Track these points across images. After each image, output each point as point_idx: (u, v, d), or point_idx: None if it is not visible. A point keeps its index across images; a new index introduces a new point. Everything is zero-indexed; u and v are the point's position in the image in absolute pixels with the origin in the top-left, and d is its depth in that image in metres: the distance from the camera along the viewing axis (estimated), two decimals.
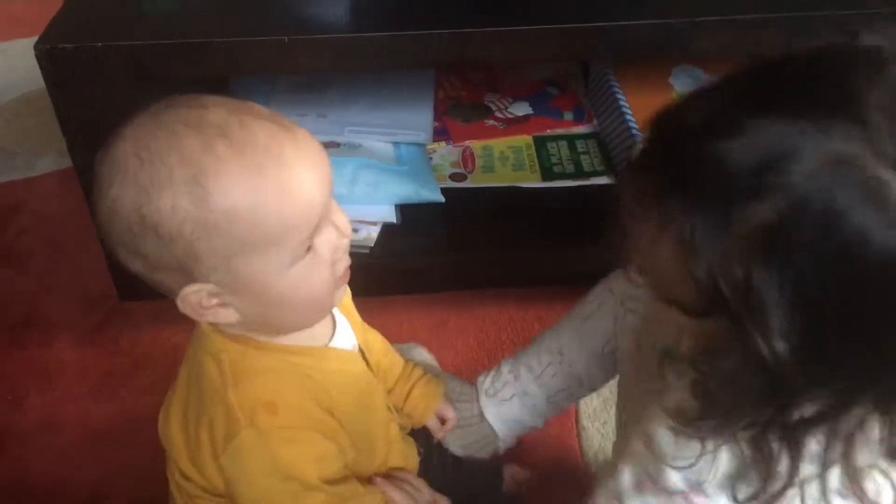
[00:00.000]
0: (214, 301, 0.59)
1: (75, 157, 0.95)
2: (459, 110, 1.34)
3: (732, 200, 0.44)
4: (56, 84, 0.90)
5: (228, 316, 0.60)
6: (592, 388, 0.86)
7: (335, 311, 0.71)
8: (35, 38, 0.88)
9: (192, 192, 0.54)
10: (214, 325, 0.63)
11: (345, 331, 0.72)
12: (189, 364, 0.67)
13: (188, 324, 0.74)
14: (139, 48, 0.88)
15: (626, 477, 0.58)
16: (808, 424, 0.48)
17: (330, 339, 0.69)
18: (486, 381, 0.87)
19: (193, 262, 0.56)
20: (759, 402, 0.48)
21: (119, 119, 0.90)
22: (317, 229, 0.59)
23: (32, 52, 0.88)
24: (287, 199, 0.56)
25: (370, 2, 0.95)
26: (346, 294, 0.69)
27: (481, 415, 0.85)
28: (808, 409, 0.47)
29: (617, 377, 0.82)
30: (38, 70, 0.91)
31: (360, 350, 0.73)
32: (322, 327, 0.69)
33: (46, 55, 0.87)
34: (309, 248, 0.59)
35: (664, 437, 0.54)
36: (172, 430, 0.68)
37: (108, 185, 0.55)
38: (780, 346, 0.44)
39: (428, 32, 0.90)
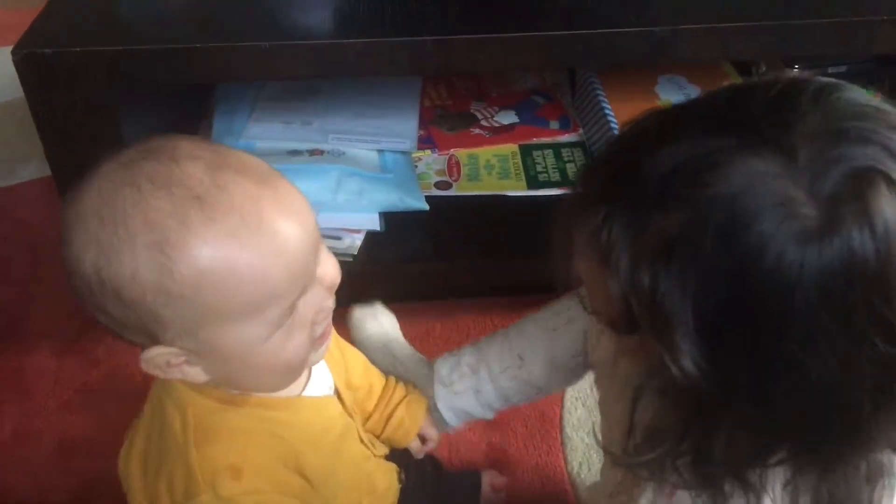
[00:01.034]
0: (182, 359, 0.55)
1: (53, 165, 0.94)
2: (445, 119, 1.34)
3: (643, 208, 0.43)
4: (34, 90, 0.89)
5: (196, 375, 0.56)
6: (549, 394, 0.87)
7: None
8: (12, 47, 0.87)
9: (154, 260, 0.49)
10: None
11: (321, 374, 0.68)
12: (152, 405, 0.63)
13: None
14: (118, 53, 0.87)
15: None
16: (738, 457, 0.47)
17: (304, 388, 0.65)
18: (444, 369, 0.86)
19: (158, 328, 0.52)
20: (684, 426, 0.47)
21: (97, 123, 0.91)
22: (302, 292, 0.55)
23: (9, 61, 0.87)
24: (265, 267, 0.51)
25: (352, 8, 0.95)
26: (323, 354, 0.63)
27: (433, 402, 0.85)
28: (731, 438, 0.46)
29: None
30: (16, 77, 0.90)
31: (337, 391, 0.69)
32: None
33: (24, 60, 0.86)
34: (291, 313, 0.55)
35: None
36: (132, 472, 0.63)
37: (70, 240, 0.51)
38: (687, 364, 0.43)
39: (411, 39, 0.89)
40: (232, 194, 0.51)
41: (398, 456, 0.81)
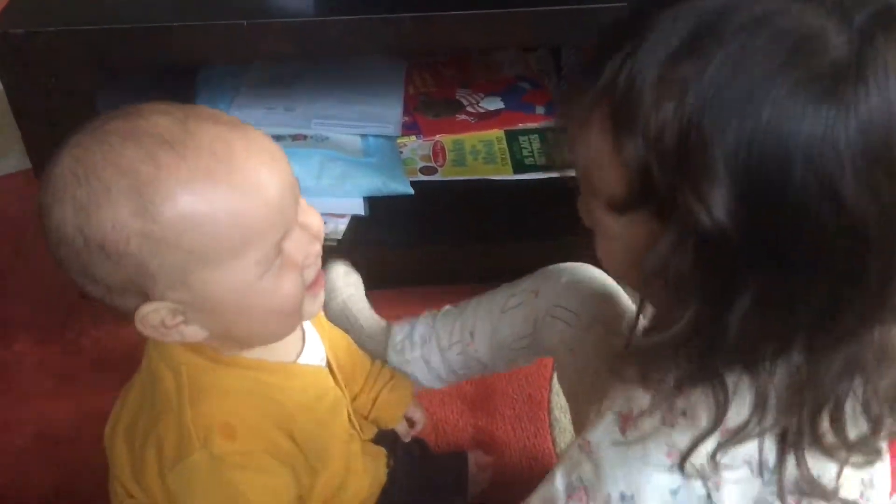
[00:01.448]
0: (178, 319, 0.55)
1: (31, 149, 0.93)
2: (430, 105, 1.32)
3: (670, 42, 0.42)
4: (8, 72, 0.87)
5: (194, 334, 0.56)
6: (495, 371, 0.90)
7: (305, 323, 0.67)
8: None
9: (132, 205, 0.50)
10: None
11: (314, 344, 0.68)
12: (144, 374, 0.63)
13: None
14: (94, 33, 0.86)
15: (559, 482, 0.55)
16: (751, 340, 0.45)
17: (298, 355, 0.66)
18: (397, 337, 0.89)
19: (147, 281, 0.52)
20: (701, 299, 0.45)
21: (75, 108, 0.89)
22: (285, 233, 0.55)
23: None
24: (242, 204, 0.52)
25: None
26: (319, 306, 0.63)
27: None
28: (747, 317, 0.44)
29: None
30: None
31: (329, 364, 0.69)
32: (291, 342, 0.65)
33: None
34: (278, 255, 0.55)
35: (604, 439, 0.53)
36: (117, 444, 0.63)
37: (49, 210, 0.52)
38: (719, 210, 0.41)
39: (392, 16, 0.88)
40: (201, 137, 0.52)
41: (385, 438, 0.80)
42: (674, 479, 0.49)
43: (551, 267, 0.84)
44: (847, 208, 0.41)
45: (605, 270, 0.55)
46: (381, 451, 0.78)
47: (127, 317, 0.55)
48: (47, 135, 0.91)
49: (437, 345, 0.87)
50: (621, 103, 0.44)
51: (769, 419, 0.47)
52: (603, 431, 0.53)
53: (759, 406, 0.47)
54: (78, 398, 1.05)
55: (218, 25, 0.86)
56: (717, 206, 0.41)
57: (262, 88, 1.22)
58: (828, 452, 0.48)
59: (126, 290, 0.53)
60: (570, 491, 0.54)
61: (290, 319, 0.60)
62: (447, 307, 0.91)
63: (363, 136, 1.18)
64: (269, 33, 0.87)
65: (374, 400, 0.80)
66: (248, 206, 0.52)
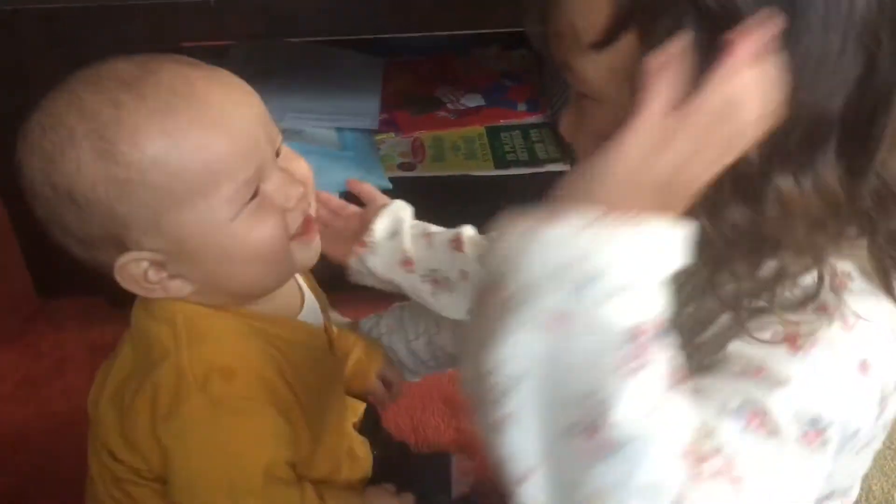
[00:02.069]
0: (162, 274, 0.53)
1: None
2: (409, 103, 1.29)
3: None
4: None
5: (180, 289, 0.54)
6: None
7: (304, 288, 0.65)
8: None
9: (95, 147, 0.49)
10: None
11: (313, 308, 0.65)
12: (133, 337, 0.59)
13: (114, 324, 0.67)
14: (53, 11, 0.82)
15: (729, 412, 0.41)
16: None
17: (299, 312, 0.63)
18: (364, 326, 0.85)
19: (121, 228, 0.51)
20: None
21: (35, 91, 0.85)
22: (261, 174, 0.53)
23: None
24: (205, 137, 0.50)
25: None
26: (314, 255, 0.60)
27: None
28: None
29: None
30: None
31: (327, 330, 0.67)
32: (290, 296, 0.63)
33: None
34: (255, 196, 0.53)
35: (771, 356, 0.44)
36: (103, 404, 0.60)
37: (22, 166, 0.52)
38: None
39: None
40: (161, 76, 0.51)
41: (367, 430, 0.75)
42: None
43: None
44: None
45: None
46: (364, 441, 0.74)
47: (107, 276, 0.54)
48: (6, 118, 0.86)
49: (404, 337, 0.83)
50: None
51: None
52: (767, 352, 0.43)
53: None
54: (37, 402, 1.00)
55: (182, 4, 0.82)
56: None
57: None
58: None
59: (102, 242, 0.52)
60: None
61: (276, 267, 0.57)
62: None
63: (339, 130, 1.15)
64: (238, 12, 0.83)
65: (346, 357, 0.76)
66: (211, 139, 0.51)
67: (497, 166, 1.17)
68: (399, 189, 1.10)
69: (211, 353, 0.54)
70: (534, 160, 1.17)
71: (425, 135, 1.23)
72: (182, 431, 0.53)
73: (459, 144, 1.21)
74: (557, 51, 0.47)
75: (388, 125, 1.23)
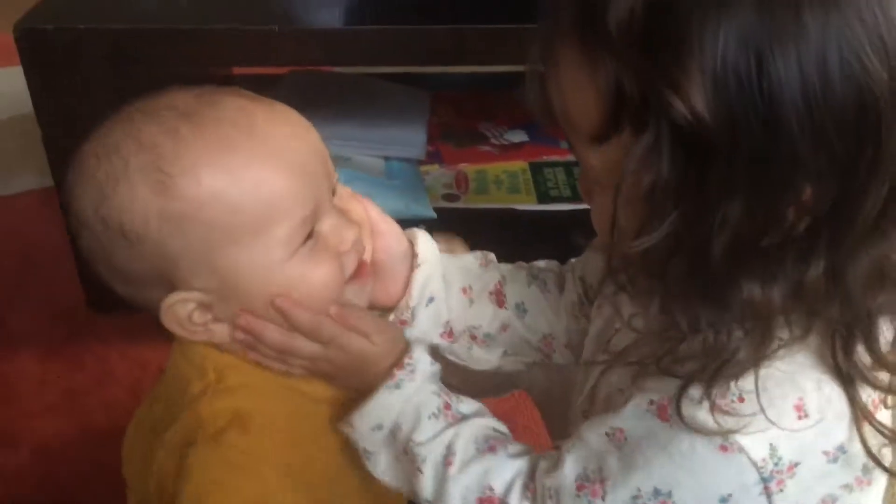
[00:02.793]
0: (207, 317, 0.51)
1: (49, 149, 0.91)
2: (453, 136, 1.31)
3: None
4: (34, 67, 0.86)
5: (224, 333, 0.52)
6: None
7: None
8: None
9: (150, 180, 0.47)
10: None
11: None
12: (167, 377, 0.57)
13: (157, 340, 0.67)
14: (122, 32, 0.85)
15: (569, 470, 0.49)
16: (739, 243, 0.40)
17: None
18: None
19: (170, 266, 0.49)
20: (681, 205, 0.40)
21: (97, 108, 0.87)
22: (318, 213, 0.51)
23: (18, 79, 0.85)
24: (264, 172, 0.48)
25: None
26: (366, 299, 0.57)
27: None
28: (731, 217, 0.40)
29: None
30: (23, 95, 0.87)
31: None
32: None
33: (24, 36, 0.84)
34: (309, 237, 0.51)
35: (637, 427, 0.47)
36: (137, 445, 0.59)
37: (71, 195, 0.49)
38: (698, 102, 0.37)
39: (424, 28, 0.87)
40: (221, 108, 0.49)
41: None
42: (728, 481, 0.45)
43: None
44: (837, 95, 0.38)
45: (600, 239, 0.50)
46: None
47: (155, 314, 0.51)
48: (67, 131, 0.89)
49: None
50: (587, 6, 0.41)
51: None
52: (636, 418, 0.47)
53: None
54: (79, 415, 1.01)
55: (248, 30, 0.85)
56: (694, 92, 0.38)
57: None
58: (864, 378, 0.44)
59: (150, 280, 0.50)
60: (583, 481, 0.48)
61: (324, 289, 0.53)
62: None
63: (387, 159, 1.17)
64: (298, 39, 0.86)
65: None
66: (271, 176, 0.48)
67: (540, 201, 1.18)
68: (442, 219, 1.11)
69: (232, 404, 0.52)
70: (577, 196, 1.18)
71: (469, 167, 1.24)
72: (187, 475, 0.51)
73: (502, 178, 1.23)
74: (564, 132, 0.47)
75: (432, 157, 1.24)
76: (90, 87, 0.86)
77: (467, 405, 0.56)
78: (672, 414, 0.45)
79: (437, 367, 0.57)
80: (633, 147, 0.40)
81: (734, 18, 0.38)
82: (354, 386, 0.56)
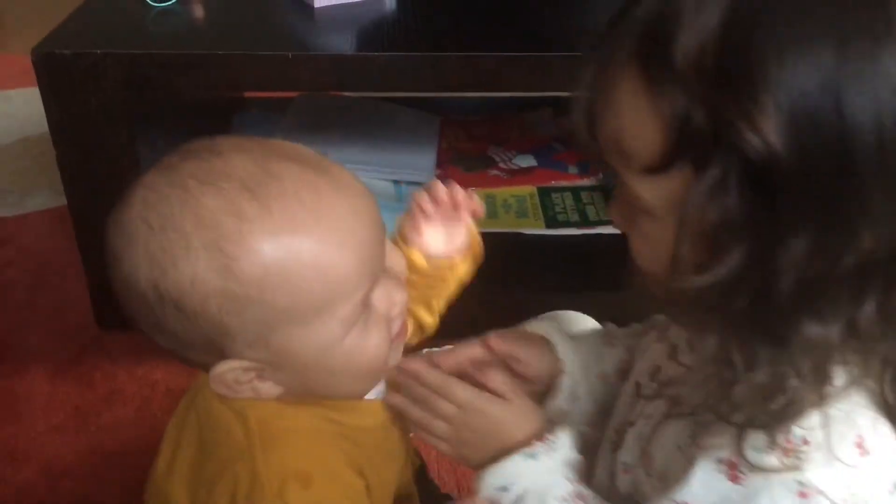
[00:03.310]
0: (251, 375, 0.50)
1: (64, 170, 0.92)
2: (462, 160, 1.32)
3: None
4: (51, 91, 0.87)
5: (268, 390, 0.51)
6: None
7: None
8: (37, 88, 0.86)
9: (214, 262, 0.46)
10: None
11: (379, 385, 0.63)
12: (200, 414, 0.56)
13: (165, 360, 0.67)
14: (138, 57, 0.86)
15: None
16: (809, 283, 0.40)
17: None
18: None
19: (225, 339, 0.48)
20: (747, 241, 0.40)
21: (112, 131, 0.89)
22: (373, 285, 0.51)
23: (35, 99, 0.86)
24: (330, 257, 0.47)
25: (377, 23, 0.94)
26: (401, 354, 0.58)
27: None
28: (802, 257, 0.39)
29: None
30: (37, 116, 0.88)
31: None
32: None
33: (42, 60, 0.85)
34: (365, 309, 0.51)
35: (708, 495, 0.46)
36: (175, 489, 0.57)
37: (120, 258, 0.48)
38: (771, 134, 0.38)
39: (435, 55, 0.88)
40: (286, 182, 0.47)
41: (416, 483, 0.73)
42: None
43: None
44: None
45: (643, 269, 0.49)
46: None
47: (197, 367, 0.52)
48: (81, 154, 0.91)
49: None
50: (651, 35, 0.41)
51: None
52: (706, 486, 0.45)
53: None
54: (86, 433, 1.02)
55: (262, 56, 0.86)
56: (768, 127, 0.38)
57: (297, 134, 1.23)
58: None
59: (201, 347, 0.49)
60: None
61: (377, 375, 0.56)
62: None
63: (396, 182, 1.17)
64: (312, 66, 0.87)
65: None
66: (336, 260, 0.48)
67: (548, 225, 1.18)
68: None
69: (286, 458, 0.51)
70: (585, 221, 1.19)
71: (478, 191, 1.24)
72: None
73: (511, 202, 1.23)
74: (610, 162, 0.46)
75: (441, 180, 1.25)
76: (107, 110, 0.87)
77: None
78: (744, 470, 0.44)
79: (578, 457, 0.56)
80: (699, 181, 0.40)
81: (812, 55, 0.38)
82: (490, 453, 0.56)
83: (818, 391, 0.43)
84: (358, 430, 0.57)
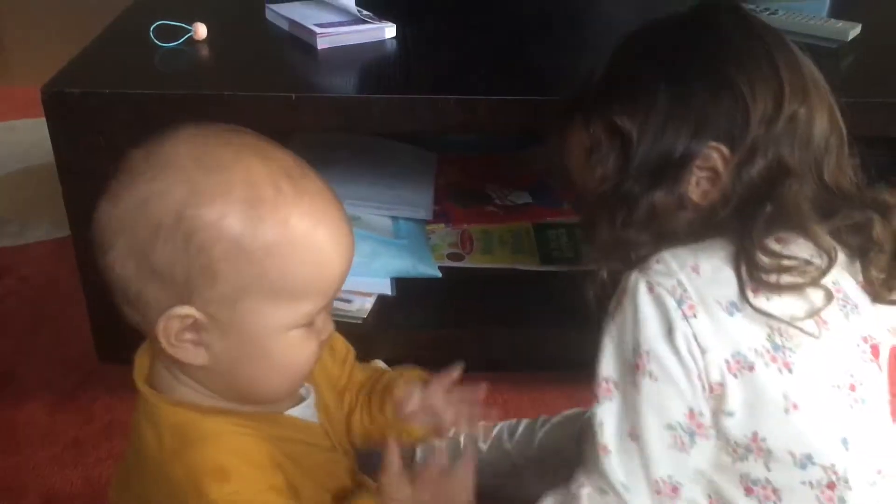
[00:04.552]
0: (191, 336, 0.54)
1: (70, 206, 0.94)
2: (459, 196, 1.34)
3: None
4: (60, 130, 0.89)
5: (197, 357, 0.55)
6: None
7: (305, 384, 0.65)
8: (43, 119, 0.88)
9: (244, 214, 0.51)
10: (163, 385, 0.57)
11: (308, 405, 0.65)
12: (131, 436, 0.60)
13: None
14: (146, 97, 0.88)
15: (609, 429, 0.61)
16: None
17: (287, 408, 0.63)
18: None
19: (203, 283, 0.52)
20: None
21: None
22: (329, 302, 0.57)
23: (38, 130, 0.88)
24: (331, 259, 0.54)
25: (378, 65, 0.97)
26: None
27: None
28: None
29: None
30: (40, 146, 0.90)
31: (323, 424, 0.66)
32: None
33: (52, 99, 0.88)
34: (311, 322, 0.56)
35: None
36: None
37: (151, 178, 0.52)
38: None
39: (433, 97, 0.90)
40: (318, 184, 0.55)
41: None
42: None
43: None
44: None
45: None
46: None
47: (136, 320, 0.55)
48: (88, 192, 0.91)
49: None
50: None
51: None
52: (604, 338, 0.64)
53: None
54: (85, 465, 1.02)
55: (268, 97, 0.89)
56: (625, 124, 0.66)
57: None
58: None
59: (171, 282, 0.52)
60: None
61: (296, 384, 0.61)
62: None
63: (394, 218, 1.19)
64: (315, 107, 0.90)
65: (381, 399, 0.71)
66: (332, 263, 0.55)
67: (543, 262, 1.20)
68: (447, 279, 1.14)
69: (201, 457, 0.54)
70: (580, 258, 1.21)
71: (474, 227, 1.27)
72: None
73: (507, 238, 1.26)
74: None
75: (438, 216, 1.27)
76: (114, 148, 0.88)
77: None
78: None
79: None
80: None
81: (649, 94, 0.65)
82: None
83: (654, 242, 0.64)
84: (281, 438, 0.59)
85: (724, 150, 0.63)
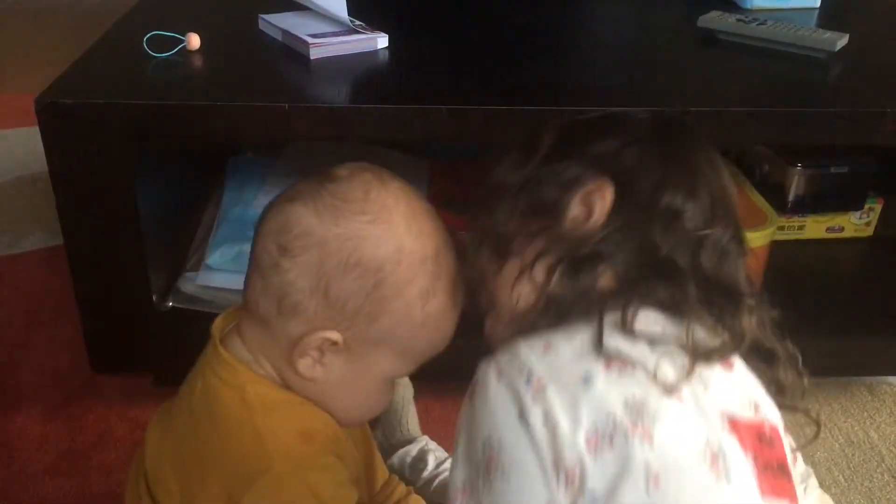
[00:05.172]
0: (317, 354, 0.59)
1: (63, 216, 0.94)
2: (451, 204, 1.34)
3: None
4: (53, 140, 0.89)
5: (312, 370, 0.60)
6: None
7: None
8: (35, 128, 0.89)
9: (426, 284, 0.60)
10: (243, 358, 0.61)
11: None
12: (196, 399, 0.62)
13: (157, 402, 0.71)
14: (140, 107, 0.89)
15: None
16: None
17: None
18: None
19: (365, 322, 0.58)
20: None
21: (113, 178, 0.91)
22: None
23: (30, 139, 0.88)
24: (444, 342, 0.64)
25: (371, 75, 0.97)
26: None
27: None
28: None
29: None
30: (33, 156, 0.90)
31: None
32: None
33: (46, 110, 0.88)
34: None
35: None
36: (166, 468, 0.63)
37: (369, 221, 0.58)
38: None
39: (427, 107, 0.91)
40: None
41: None
42: None
43: None
44: None
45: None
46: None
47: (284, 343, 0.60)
48: (81, 202, 0.93)
49: None
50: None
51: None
52: None
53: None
54: (76, 476, 1.02)
55: (260, 107, 0.89)
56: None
57: (290, 178, 1.25)
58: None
59: (337, 310, 0.58)
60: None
61: (362, 419, 0.69)
62: None
63: None
64: (307, 117, 0.90)
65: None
66: (445, 336, 0.64)
67: None
68: None
69: (288, 419, 0.59)
70: None
71: (466, 234, 1.27)
72: (270, 491, 0.56)
73: None
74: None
75: None
76: (107, 159, 0.90)
77: None
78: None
79: None
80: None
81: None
82: None
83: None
84: (340, 442, 0.64)
85: None
